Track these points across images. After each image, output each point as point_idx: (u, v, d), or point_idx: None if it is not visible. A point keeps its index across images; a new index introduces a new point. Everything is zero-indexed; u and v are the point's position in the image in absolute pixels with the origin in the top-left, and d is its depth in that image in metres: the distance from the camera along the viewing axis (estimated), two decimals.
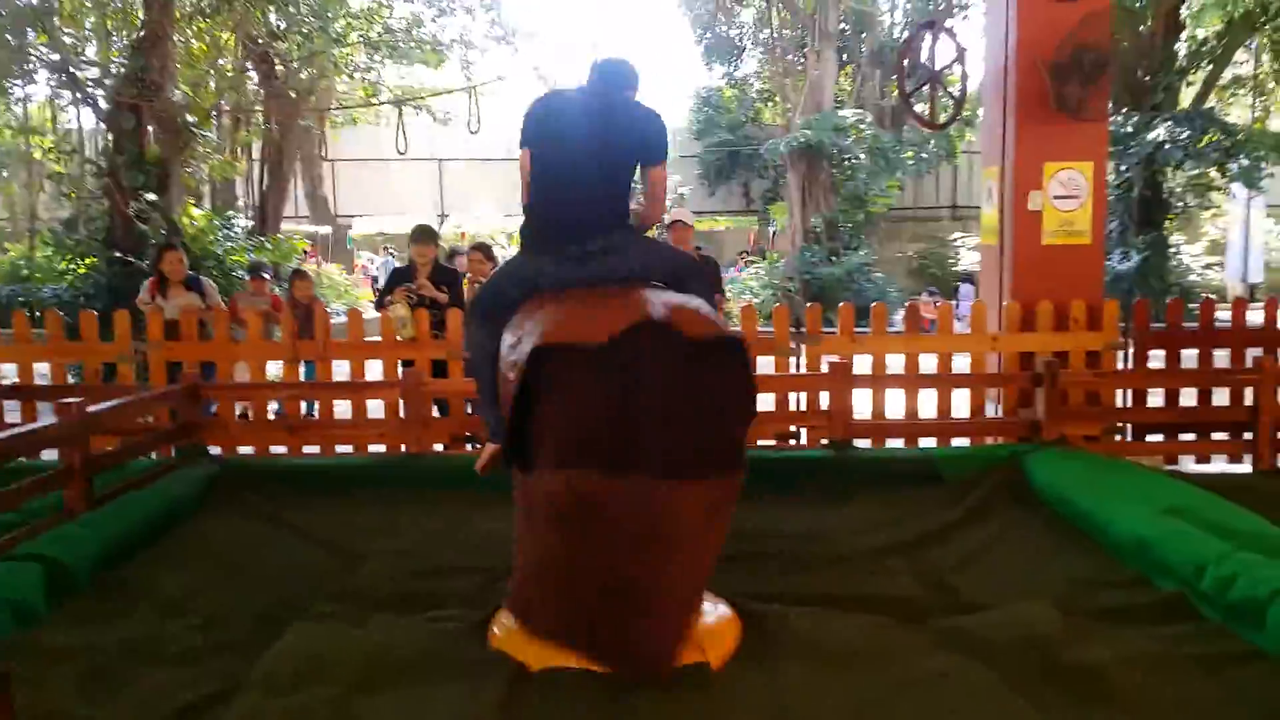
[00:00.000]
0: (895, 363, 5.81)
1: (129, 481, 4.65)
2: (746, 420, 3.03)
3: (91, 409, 4.39)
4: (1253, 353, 5.84)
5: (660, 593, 2.88)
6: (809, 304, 5.95)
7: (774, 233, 22.18)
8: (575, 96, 3.46)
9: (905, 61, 6.98)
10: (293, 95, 17.76)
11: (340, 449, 5.76)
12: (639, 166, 3.42)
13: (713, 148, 24.19)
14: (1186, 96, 18.14)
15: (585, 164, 3.28)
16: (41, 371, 6.14)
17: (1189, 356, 6.02)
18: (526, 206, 3.42)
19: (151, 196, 12.51)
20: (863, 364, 5.72)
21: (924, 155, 20.43)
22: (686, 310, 2.96)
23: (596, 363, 2.78)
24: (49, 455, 4.69)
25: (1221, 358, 6.04)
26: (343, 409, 5.93)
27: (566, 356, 2.81)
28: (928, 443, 5.61)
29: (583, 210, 3.28)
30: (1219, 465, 5.77)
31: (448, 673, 2.94)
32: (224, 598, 3.64)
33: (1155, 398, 5.91)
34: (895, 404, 5.76)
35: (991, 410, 5.89)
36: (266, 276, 8.26)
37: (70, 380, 6.34)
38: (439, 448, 5.61)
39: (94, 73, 13.43)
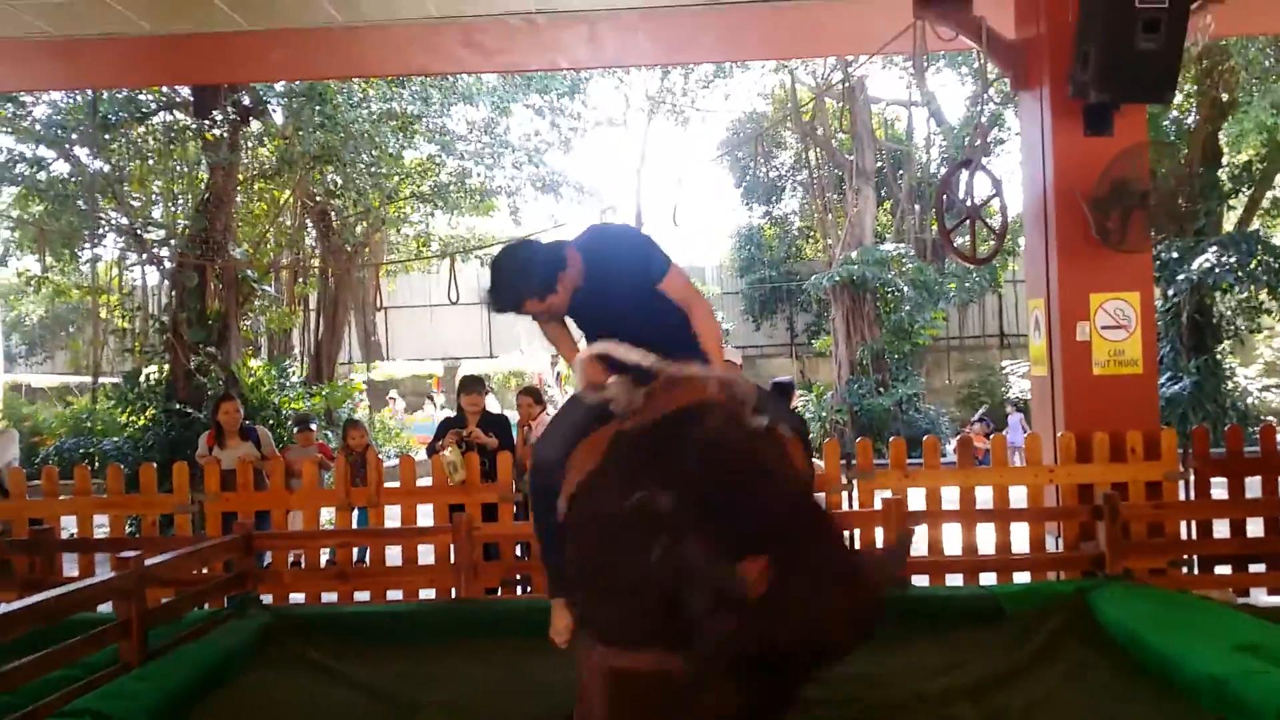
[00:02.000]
0: (949, 496, 5.73)
1: (183, 634, 4.65)
2: None
3: (149, 562, 4.44)
4: None
5: None
6: (859, 437, 5.93)
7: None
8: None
9: (944, 198, 7.11)
10: (348, 249, 18.41)
11: (391, 595, 5.74)
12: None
13: (756, 284, 24.53)
14: (1229, 223, 18.18)
15: (618, 306, 3.28)
16: (101, 523, 6.24)
17: (1252, 484, 5.87)
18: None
19: (211, 350, 12.89)
20: (917, 498, 5.64)
21: (967, 285, 20.54)
22: None
23: None
24: (104, 607, 4.73)
25: None
26: (394, 555, 5.94)
27: None
28: (987, 579, 5.49)
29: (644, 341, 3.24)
30: None
31: None
32: None
33: (1221, 528, 5.74)
34: (952, 540, 5.65)
35: (1051, 544, 5.75)
36: (313, 428, 8.41)
37: (129, 532, 6.44)
38: (490, 591, 5.58)
39: (159, 233, 14.06)
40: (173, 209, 14.64)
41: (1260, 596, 5.63)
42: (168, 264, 13.70)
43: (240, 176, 14.54)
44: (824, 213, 21.77)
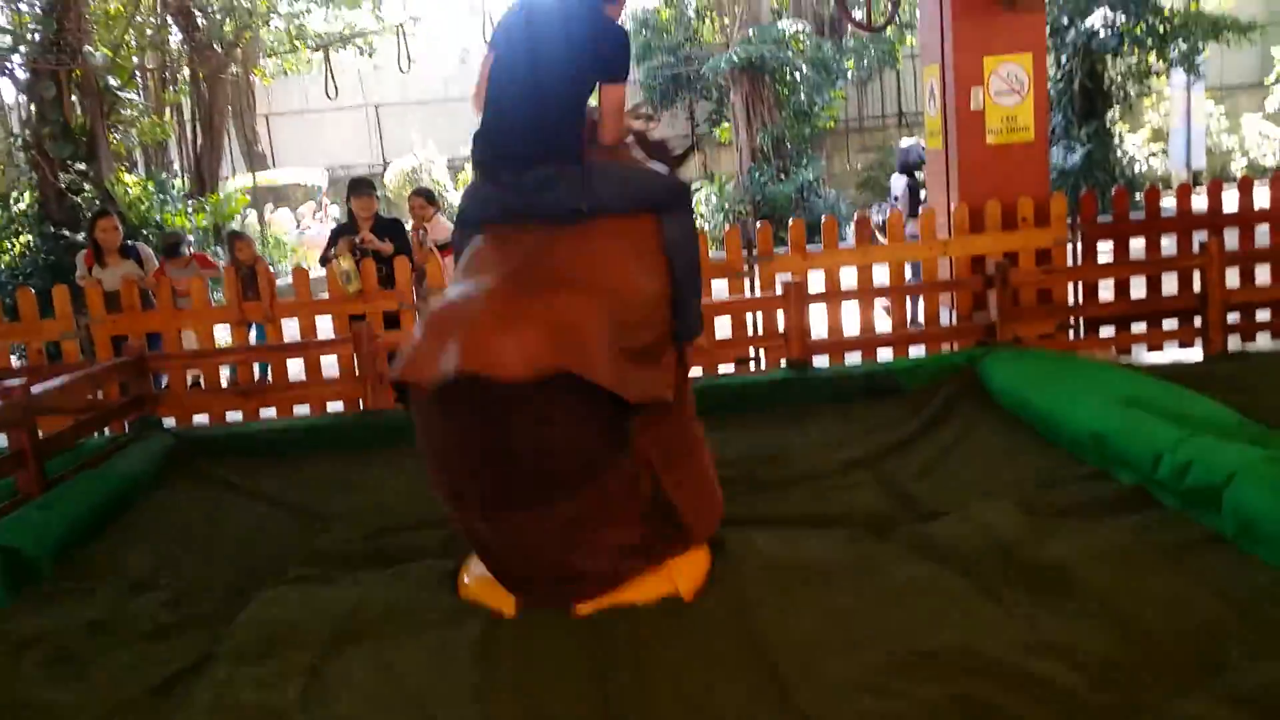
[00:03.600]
0: (849, 277, 5.80)
1: (83, 462, 4.56)
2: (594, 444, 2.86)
3: (36, 389, 4.28)
4: (1199, 237, 5.87)
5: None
6: (760, 224, 5.91)
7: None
8: (542, 3, 3.16)
9: None
10: (217, 48, 17.22)
11: (297, 410, 5.68)
12: (598, 84, 3.18)
13: (654, 71, 23.83)
14: None
15: (532, 83, 3.04)
16: None
17: (1137, 247, 6.05)
18: (479, 126, 3.18)
19: (81, 166, 12.14)
20: (817, 280, 5.70)
21: (866, 62, 20.27)
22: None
23: (427, 406, 2.88)
24: None
25: (1169, 245, 6.07)
26: (296, 370, 5.84)
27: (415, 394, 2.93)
28: (885, 355, 5.64)
29: (523, 137, 3.04)
30: (1172, 353, 5.85)
31: (421, 625, 2.93)
32: (190, 571, 3.60)
33: (1106, 291, 5.96)
34: (851, 321, 5.76)
35: (946, 317, 5.91)
36: (185, 252, 8.02)
37: (14, 362, 6.19)
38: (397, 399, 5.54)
39: (6, 40, 12.91)
40: (18, 12, 13.38)
41: (1141, 354, 5.91)
42: (20, 74, 12.66)
43: None
44: None
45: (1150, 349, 5.93)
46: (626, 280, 3.01)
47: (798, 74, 18.92)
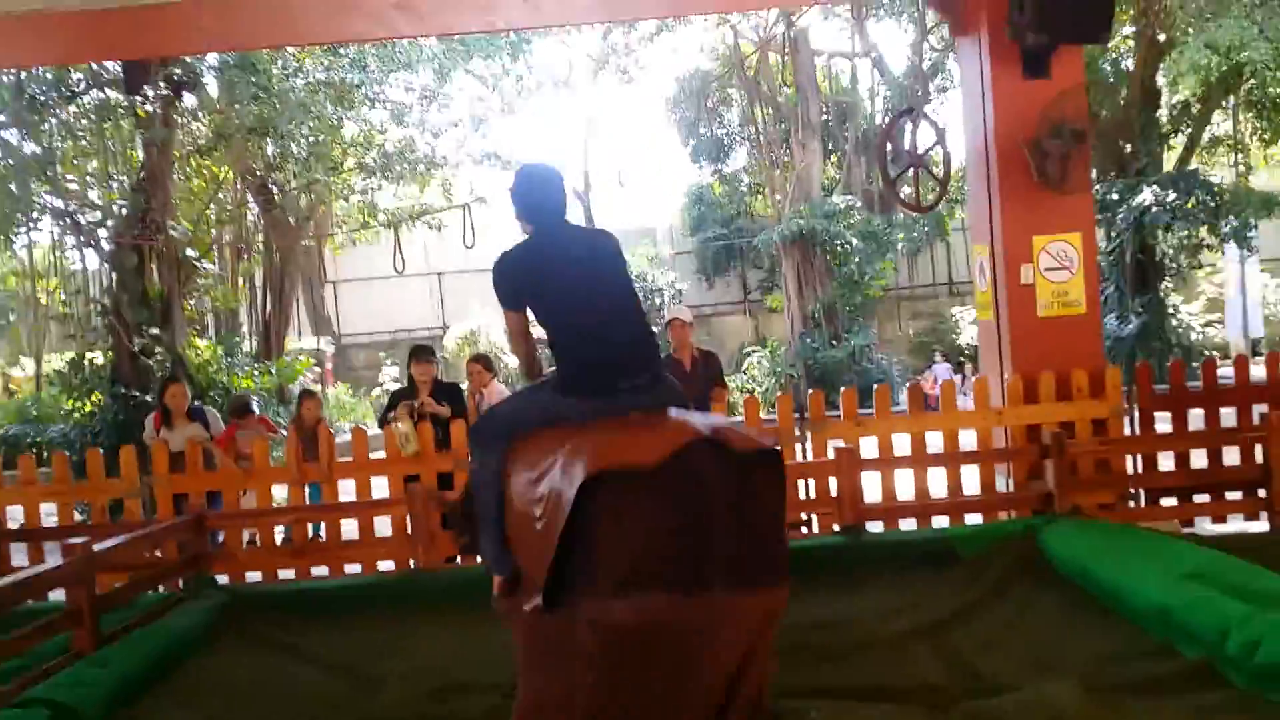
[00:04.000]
0: (901, 443, 5.79)
1: (138, 618, 4.60)
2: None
3: (97, 547, 4.38)
4: (1259, 409, 5.80)
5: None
6: (811, 390, 5.96)
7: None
8: (559, 235, 3.41)
9: (888, 147, 7.12)
10: (291, 222, 18.10)
11: (349, 569, 5.70)
12: None
13: (707, 242, 24.50)
14: (1168, 161, 18.43)
15: (616, 302, 3.30)
16: (49, 511, 6.13)
17: (1196, 417, 5.99)
18: (557, 355, 3.31)
19: (155, 331, 12.65)
20: (870, 447, 5.70)
21: (915, 235, 20.68)
22: (727, 427, 3.02)
23: (658, 484, 2.76)
24: (56, 595, 4.66)
25: (1228, 416, 6.00)
26: (350, 529, 5.90)
27: (623, 481, 2.76)
28: (940, 522, 5.57)
29: (629, 350, 3.26)
30: (1235, 525, 5.70)
31: None
32: None
33: (1166, 461, 5.87)
34: (905, 485, 5.72)
35: (1002, 485, 5.84)
36: (254, 410, 8.25)
37: (78, 519, 6.33)
38: (449, 560, 5.56)
39: (96, 215, 13.71)
40: (108, 189, 14.25)
41: (1205, 525, 5.76)
42: (106, 246, 13.37)
43: (176, 153, 14.20)
44: (772, 168, 21.73)
45: (1214, 521, 5.78)
46: None
47: (848, 245, 19.35)
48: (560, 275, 3.31)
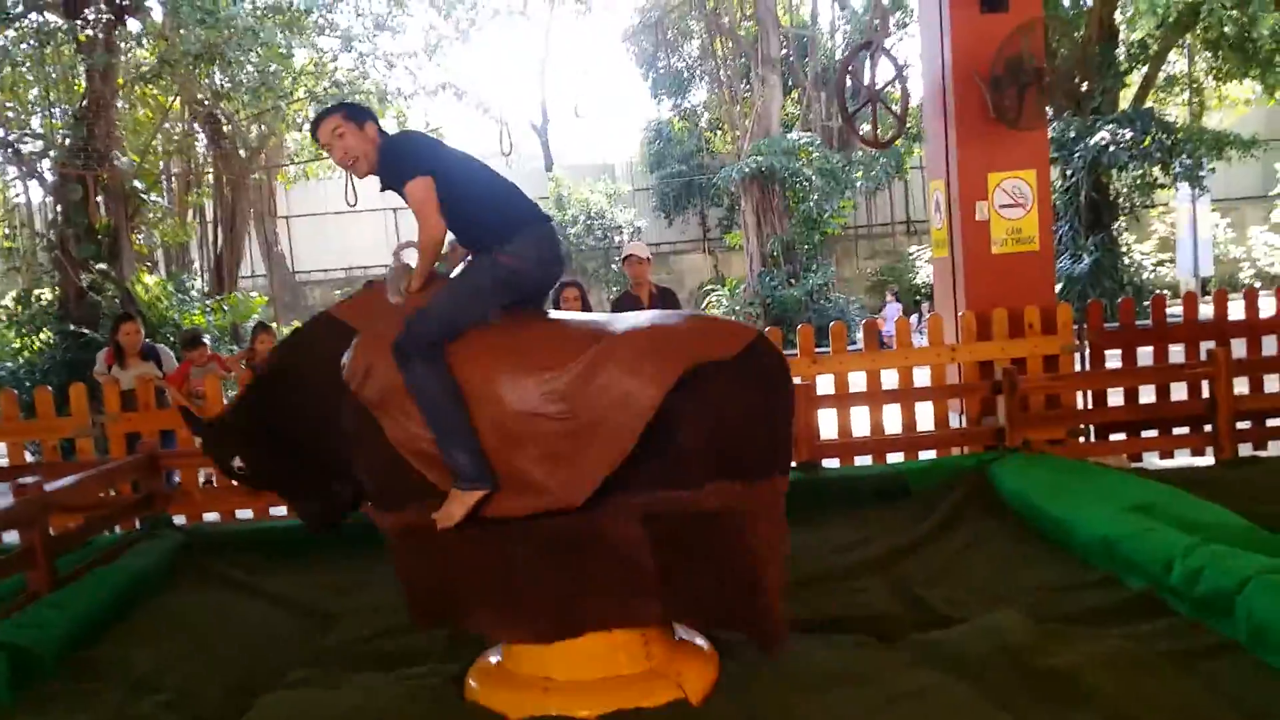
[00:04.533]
0: (857, 381, 5.84)
1: (93, 559, 4.56)
2: None
3: (50, 487, 4.32)
4: (1206, 345, 5.91)
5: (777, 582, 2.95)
6: (769, 327, 5.98)
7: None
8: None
9: (847, 82, 7.08)
10: (242, 154, 17.70)
11: None
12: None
13: (667, 179, 24.35)
14: (1125, 100, 18.52)
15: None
16: None
17: (1145, 354, 6.09)
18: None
19: (103, 266, 12.38)
20: (826, 384, 5.75)
21: (874, 173, 20.69)
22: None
23: (741, 373, 2.88)
24: (10, 538, 4.61)
25: (1176, 353, 6.11)
26: None
27: (712, 373, 2.85)
28: (895, 458, 5.65)
29: None
30: (1182, 459, 5.84)
31: None
32: (196, 671, 3.57)
33: (1115, 397, 5.97)
34: (861, 422, 5.79)
35: (955, 421, 5.93)
36: (204, 343, 8.14)
37: (29, 458, 6.23)
38: None
39: (38, 144, 13.31)
40: (50, 118, 13.82)
41: (1153, 460, 5.90)
42: (49, 177, 13.01)
43: (120, 80, 13.75)
44: (732, 104, 21.57)
45: (1161, 456, 5.91)
46: None
47: (807, 183, 19.32)
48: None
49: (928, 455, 5.71)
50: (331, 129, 3.21)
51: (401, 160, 3.19)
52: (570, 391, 2.89)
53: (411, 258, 3.26)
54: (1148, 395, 5.94)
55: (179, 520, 5.49)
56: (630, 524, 2.88)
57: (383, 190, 3.29)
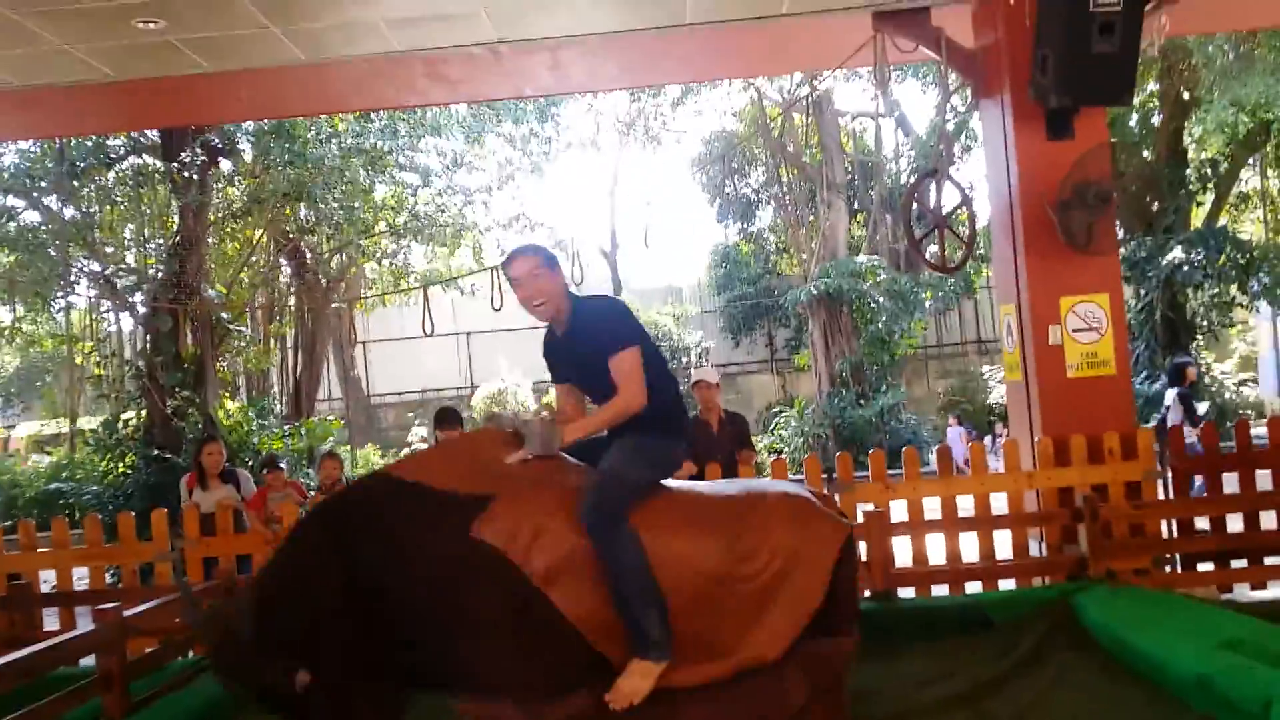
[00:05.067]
0: (931, 506, 5.73)
1: (168, 683, 4.59)
2: None
3: (128, 612, 4.39)
4: None
5: None
6: (840, 451, 5.93)
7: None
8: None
9: (913, 208, 7.17)
10: (323, 284, 18.36)
11: None
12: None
13: (734, 301, 24.59)
14: (1197, 219, 18.39)
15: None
16: (80, 575, 6.16)
17: (1230, 480, 5.90)
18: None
19: (188, 393, 12.81)
20: (899, 510, 5.65)
21: (942, 294, 20.66)
22: None
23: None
24: (87, 661, 4.67)
25: (1264, 477, 5.91)
26: None
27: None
28: (973, 587, 5.49)
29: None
30: (1275, 590, 5.58)
31: None
32: None
33: (1202, 525, 5.77)
34: (936, 550, 5.66)
35: (1034, 549, 5.77)
36: (282, 467, 8.32)
37: (109, 582, 6.35)
38: None
39: (132, 279, 13.99)
40: (144, 253, 14.55)
41: (1243, 592, 5.65)
42: (141, 309, 13.62)
43: (211, 217, 14.50)
44: (797, 227, 21.86)
45: (1252, 587, 5.66)
46: None
47: (875, 304, 19.36)
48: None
49: (1007, 585, 5.54)
50: (530, 269, 3.35)
51: (622, 325, 3.37)
52: (754, 551, 3.02)
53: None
54: (1235, 523, 5.74)
55: None
56: (798, 670, 3.07)
57: (581, 351, 3.37)
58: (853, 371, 19.40)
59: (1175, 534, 5.71)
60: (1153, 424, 9.12)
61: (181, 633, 5.20)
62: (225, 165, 15.00)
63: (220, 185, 15.35)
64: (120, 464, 13.14)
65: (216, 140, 13.68)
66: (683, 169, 27.20)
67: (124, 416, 13.77)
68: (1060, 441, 5.73)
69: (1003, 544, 5.72)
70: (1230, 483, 5.92)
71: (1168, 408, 9.13)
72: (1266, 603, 5.05)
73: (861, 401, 18.90)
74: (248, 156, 15.33)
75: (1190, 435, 7.61)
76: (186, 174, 12.97)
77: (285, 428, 15.08)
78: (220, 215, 15.44)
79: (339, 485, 7.81)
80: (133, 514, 6.05)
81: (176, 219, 13.95)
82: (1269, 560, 5.57)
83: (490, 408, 20.27)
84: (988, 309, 23.22)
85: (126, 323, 15.64)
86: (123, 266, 14.48)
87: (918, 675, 4.36)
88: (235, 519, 6.21)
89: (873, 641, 4.78)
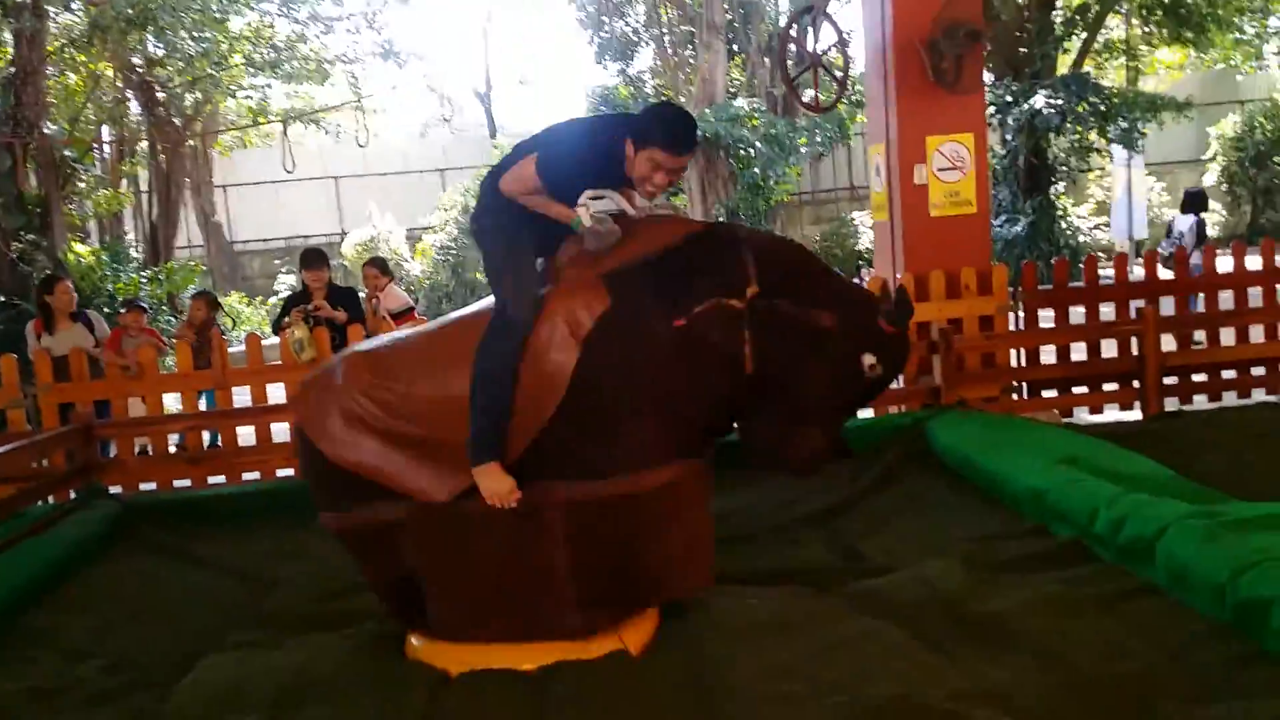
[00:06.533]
0: None
1: (26, 529, 4.48)
2: None
3: None
4: (1136, 304, 6.06)
5: None
6: None
7: None
8: None
9: (789, 47, 7.10)
10: (176, 121, 17.32)
11: (247, 477, 5.62)
12: None
13: None
14: (1063, 65, 18.74)
15: None
16: None
17: (1077, 314, 6.22)
18: None
19: (33, 237, 12.09)
20: None
21: (818, 139, 20.76)
22: None
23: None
24: None
25: (1108, 312, 6.25)
26: (247, 436, 5.82)
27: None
28: None
29: None
30: (1111, 414, 5.99)
31: (367, 688, 2.91)
32: (134, 637, 3.55)
33: (1048, 355, 6.11)
34: None
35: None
36: (143, 307, 8.00)
37: None
38: None
39: None
40: None
41: (1083, 416, 6.05)
42: None
43: (49, 46, 13.38)
44: (677, 70, 21.49)
45: (1091, 411, 6.07)
46: None
47: (752, 150, 19.35)
48: None
49: (865, 414, 5.79)
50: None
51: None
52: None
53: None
54: (1079, 353, 6.09)
55: (115, 490, 5.41)
56: None
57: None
58: (728, 217, 19.51)
59: (1023, 364, 6.03)
60: (1165, 245, 9.63)
61: (36, 479, 5.07)
62: None
63: (57, 10, 14.13)
64: None
65: None
66: (560, 4, 26.24)
67: None
68: (921, 278, 5.92)
69: None
70: (1077, 317, 6.24)
71: (1181, 233, 9.56)
72: (1103, 425, 5.42)
73: None
74: None
75: (1195, 258, 8.28)
76: None
77: (144, 273, 14.43)
78: (59, 44, 14.28)
79: (211, 327, 7.59)
80: None
81: (10, 48, 12.84)
82: (1107, 386, 5.96)
83: (362, 255, 19.78)
84: (861, 156, 23.49)
85: None
86: None
87: (775, 499, 4.57)
88: (90, 365, 5.98)
89: (733, 467, 4.99)
